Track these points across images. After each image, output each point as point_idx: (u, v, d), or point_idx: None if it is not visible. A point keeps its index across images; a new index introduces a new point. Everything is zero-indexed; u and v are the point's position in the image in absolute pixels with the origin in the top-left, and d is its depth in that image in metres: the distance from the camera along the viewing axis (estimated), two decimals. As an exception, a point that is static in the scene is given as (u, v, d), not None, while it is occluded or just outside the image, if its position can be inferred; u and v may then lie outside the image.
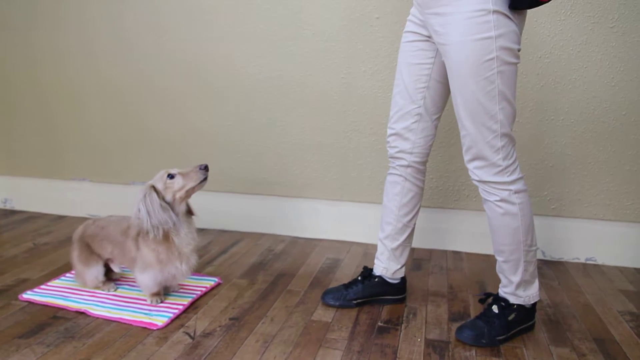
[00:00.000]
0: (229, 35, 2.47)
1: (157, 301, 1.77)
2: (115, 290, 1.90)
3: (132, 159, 2.75)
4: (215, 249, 2.37)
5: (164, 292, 1.86)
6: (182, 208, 1.73)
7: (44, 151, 2.89)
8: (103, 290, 1.89)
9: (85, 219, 2.81)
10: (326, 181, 2.51)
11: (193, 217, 1.82)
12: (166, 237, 1.69)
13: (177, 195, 1.69)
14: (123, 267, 1.94)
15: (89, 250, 1.85)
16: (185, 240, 1.72)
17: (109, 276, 1.93)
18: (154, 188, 1.68)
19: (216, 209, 2.66)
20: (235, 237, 2.55)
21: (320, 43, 2.38)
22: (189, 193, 1.71)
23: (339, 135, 2.45)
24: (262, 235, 2.60)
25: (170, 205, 1.69)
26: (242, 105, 2.53)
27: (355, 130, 2.42)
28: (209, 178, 1.72)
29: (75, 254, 1.88)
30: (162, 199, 1.68)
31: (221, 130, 2.58)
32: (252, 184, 2.61)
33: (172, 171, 1.70)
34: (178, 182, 1.68)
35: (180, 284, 1.93)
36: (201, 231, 2.64)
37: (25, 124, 2.88)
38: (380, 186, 2.45)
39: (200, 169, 1.70)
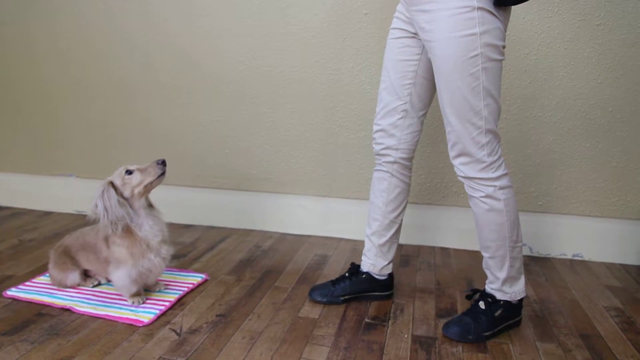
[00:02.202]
0: (217, 31, 2.46)
1: (138, 302, 1.75)
2: (97, 285, 1.90)
3: (120, 155, 2.73)
4: (203, 245, 2.36)
5: (149, 291, 1.85)
6: (142, 203, 1.72)
7: (30, 147, 2.86)
8: (85, 286, 1.89)
9: (71, 215, 2.79)
10: (314, 177, 2.51)
11: (157, 212, 1.80)
12: (129, 231, 1.69)
13: (136, 191, 1.69)
14: (109, 280, 1.93)
15: (66, 258, 1.85)
16: (152, 233, 1.72)
17: (88, 275, 1.93)
18: (112, 184, 1.68)
19: (204, 205, 2.65)
20: (223, 233, 2.54)
21: (308, 39, 2.37)
22: (147, 188, 1.71)
23: (327, 131, 2.44)
24: (250, 231, 2.59)
25: (129, 201, 1.70)
26: (230, 101, 2.52)
27: (343, 126, 2.42)
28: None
29: (50, 265, 1.88)
30: (121, 194, 1.69)
31: (209, 126, 2.57)
32: (240, 180, 2.60)
33: (131, 167, 1.71)
34: (136, 177, 1.69)
35: (166, 282, 1.92)
36: (189, 227, 2.63)
37: (10, 119, 2.85)
38: (369, 182, 2.45)
39: (157, 163, 1.70)
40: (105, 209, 1.63)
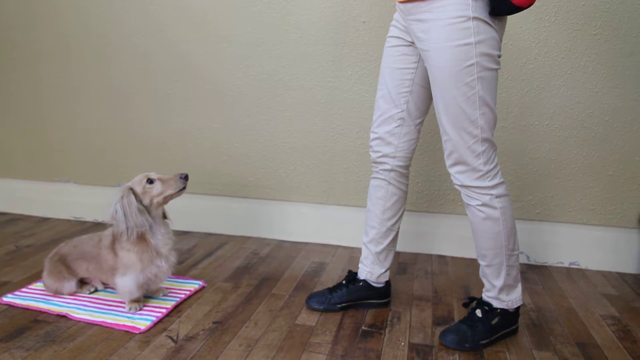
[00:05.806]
0: (216, 38, 2.47)
1: (136, 308, 1.75)
2: (94, 291, 1.89)
3: (118, 161, 2.73)
4: (200, 252, 2.36)
5: (148, 297, 1.85)
6: (158, 212, 1.74)
7: (28, 152, 2.86)
8: (82, 292, 1.88)
9: (69, 221, 2.79)
10: (312, 185, 2.51)
11: (168, 221, 1.82)
12: (142, 238, 1.70)
13: (155, 200, 1.70)
14: (106, 286, 1.93)
15: (62, 267, 1.84)
16: (162, 241, 1.74)
17: (84, 282, 1.92)
18: (132, 190, 1.68)
19: (202, 212, 2.65)
20: (220, 240, 2.54)
21: (307, 46, 2.38)
22: (166, 199, 1.72)
23: (325, 139, 2.45)
24: (247, 238, 2.59)
25: (147, 209, 1.70)
26: (228, 108, 2.53)
27: (341, 134, 2.42)
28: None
29: (44, 273, 1.86)
30: (140, 202, 1.69)
31: (208, 132, 2.58)
32: (238, 187, 2.61)
33: (152, 176, 1.71)
34: (157, 187, 1.69)
35: (167, 288, 1.92)
36: (186, 234, 2.63)
37: (8, 124, 2.85)
38: (366, 190, 2.45)
39: (180, 177, 1.71)
40: (125, 214, 1.64)
